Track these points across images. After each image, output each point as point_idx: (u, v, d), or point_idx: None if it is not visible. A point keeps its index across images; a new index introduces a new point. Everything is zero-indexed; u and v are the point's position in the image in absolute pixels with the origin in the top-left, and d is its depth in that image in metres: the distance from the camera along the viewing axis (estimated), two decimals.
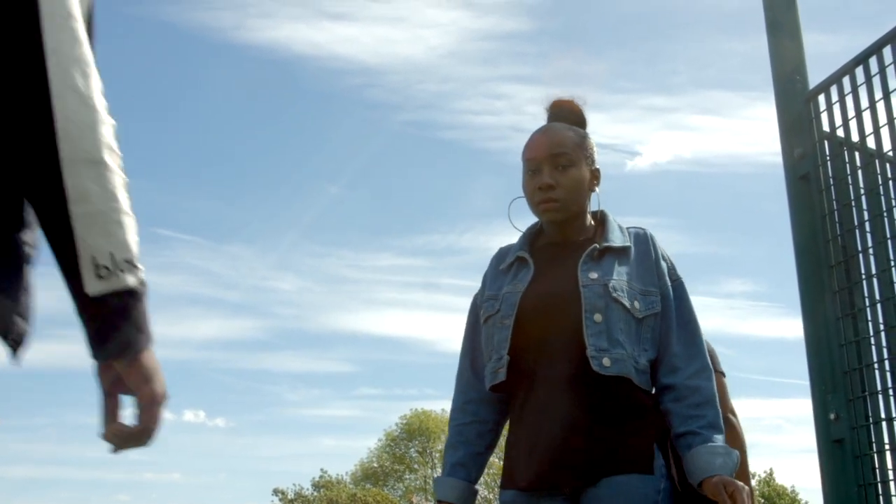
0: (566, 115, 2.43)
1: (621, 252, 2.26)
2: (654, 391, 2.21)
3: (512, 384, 2.28)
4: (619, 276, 2.20)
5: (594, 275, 2.19)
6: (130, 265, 1.10)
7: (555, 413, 2.17)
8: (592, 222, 2.37)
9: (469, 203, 65.37)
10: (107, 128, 1.10)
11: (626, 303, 2.17)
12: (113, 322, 1.09)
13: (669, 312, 2.23)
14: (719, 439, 2.11)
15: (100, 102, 1.09)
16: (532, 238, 2.43)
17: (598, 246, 2.25)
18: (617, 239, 2.29)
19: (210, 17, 62.61)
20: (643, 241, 2.31)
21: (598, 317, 2.15)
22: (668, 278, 2.27)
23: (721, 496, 2.01)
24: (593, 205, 2.40)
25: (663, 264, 2.28)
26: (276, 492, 43.86)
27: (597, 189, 2.38)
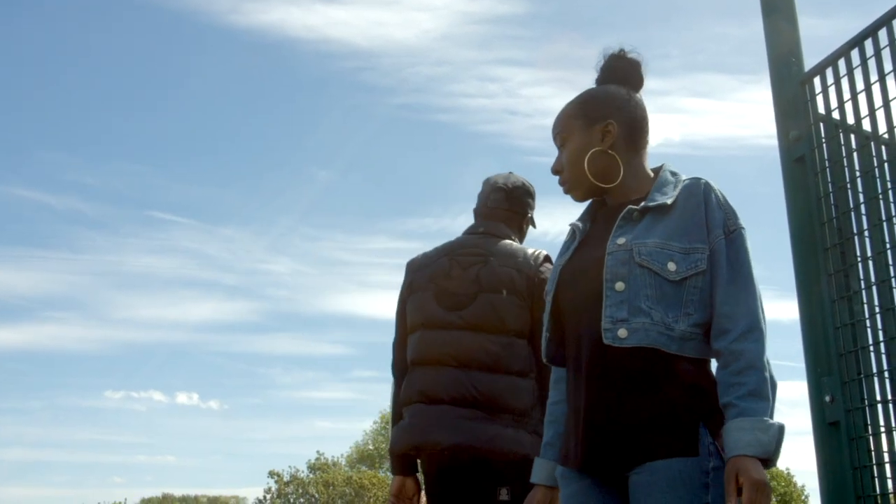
0: (604, 76, 2.35)
1: (664, 210, 2.11)
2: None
3: (557, 360, 2.28)
4: (655, 237, 2.07)
5: (622, 240, 2.09)
6: None
7: (587, 392, 2.09)
8: (653, 176, 2.24)
9: (463, 185, 65.53)
10: None
11: (656, 266, 2.03)
12: None
13: (718, 268, 2.05)
14: (760, 409, 1.92)
15: None
16: (597, 205, 2.34)
17: (634, 207, 2.14)
18: (662, 196, 2.14)
19: (204, 1, 62.32)
20: (694, 193, 2.13)
21: (619, 285, 2.05)
22: (721, 230, 2.08)
23: (728, 488, 1.88)
24: (652, 160, 2.28)
25: (717, 215, 2.09)
26: (271, 474, 43.97)
27: (614, 142, 2.23)
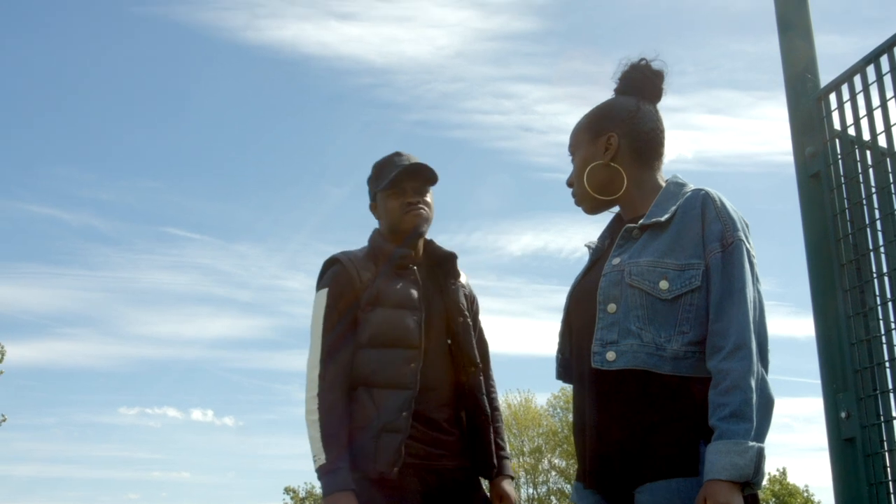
0: (621, 86, 2.31)
1: (662, 226, 2.07)
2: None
3: (568, 380, 2.28)
4: (649, 255, 2.03)
5: (617, 260, 2.08)
6: None
7: (588, 413, 2.10)
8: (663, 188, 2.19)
9: (478, 202, 65.39)
10: None
11: (646, 286, 2.00)
12: None
13: (713, 284, 1.99)
14: (740, 431, 1.86)
15: None
16: (616, 222, 2.32)
17: (633, 226, 2.12)
18: (660, 211, 2.10)
19: (219, 17, 62.73)
20: (692, 206, 2.06)
21: (611, 307, 2.03)
22: (718, 243, 2.01)
23: None
24: (667, 174, 2.22)
25: (714, 228, 2.02)
26: (287, 490, 43.97)
27: (616, 154, 2.20)
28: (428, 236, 3.06)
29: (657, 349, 1.97)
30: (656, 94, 2.30)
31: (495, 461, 2.97)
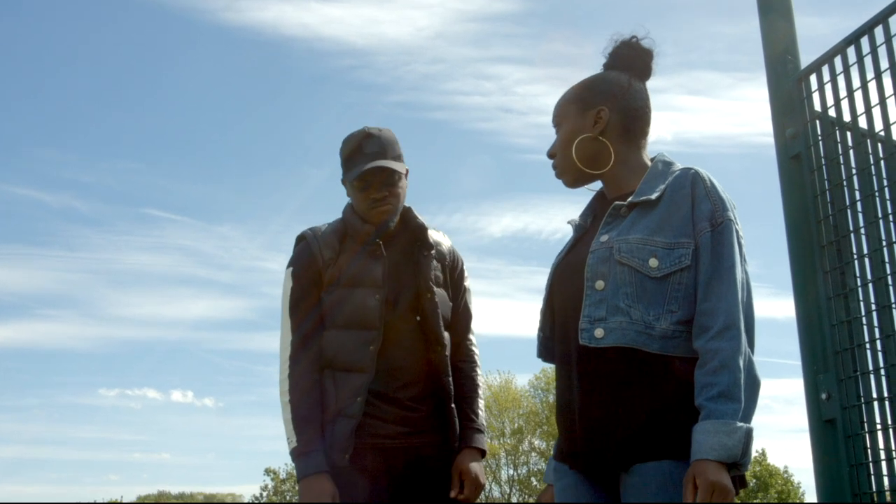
0: (610, 62, 2.28)
1: (651, 204, 2.05)
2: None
3: (549, 359, 2.25)
4: (638, 233, 2.01)
5: (605, 237, 2.05)
6: None
7: (579, 392, 2.06)
8: (649, 166, 2.17)
9: (458, 184, 65.48)
10: None
11: (636, 263, 1.97)
12: None
13: (702, 263, 1.97)
14: (729, 411, 1.84)
15: None
16: (598, 199, 2.29)
17: (621, 203, 2.09)
18: (649, 189, 2.08)
19: None
20: (682, 185, 2.04)
21: (599, 284, 2.01)
22: (708, 223, 1.99)
23: (685, 491, 1.83)
24: (656, 151, 2.19)
25: (704, 207, 2.01)
26: (267, 471, 44.03)
27: (605, 128, 2.18)
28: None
29: (646, 327, 1.95)
30: (646, 72, 2.27)
31: (458, 435, 2.88)
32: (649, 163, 2.21)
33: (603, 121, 2.19)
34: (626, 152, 2.20)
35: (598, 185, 2.29)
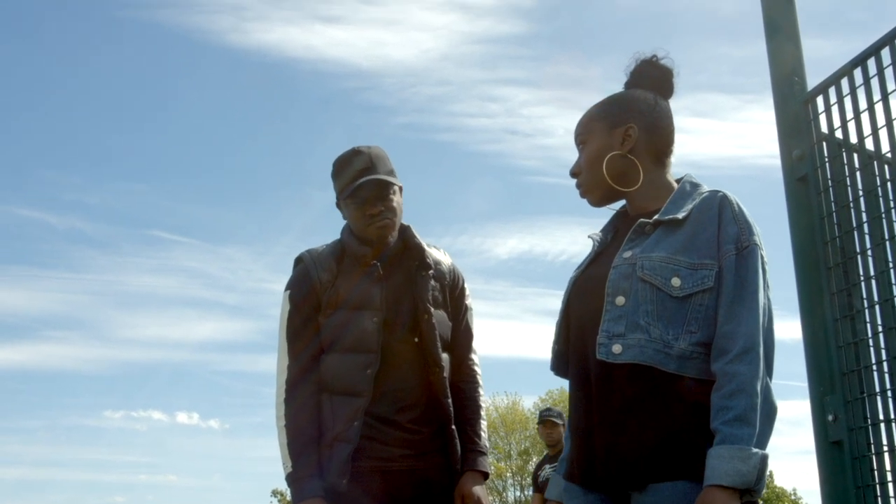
0: (633, 81, 2.27)
1: (677, 223, 2.03)
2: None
3: (563, 373, 2.22)
4: (662, 251, 1.99)
5: (628, 253, 2.03)
6: None
7: (589, 407, 2.05)
8: (675, 186, 2.17)
9: (464, 206, 65.49)
10: None
11: (658, 281, 1.96)
12: None
13: (725, 286, 1.95)
14: (744, 436, 1.81)
15: None
16: (620, 216, 2.28)
17: (646, 221, 2.08)
18: (676, 209, 2.06)
19: (205, 20, 62.63)
20: (709, 206, 2.03)
21: (620, 299, 1.99)
22: (733, 245, 1.97)
23: None
24: (677, 171, 2.18)
25: (730, 230, 1.98)
26: (274, 493, 43.90)
27: (634, 146, 2.16)
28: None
29: (664, 346, 1.93)
30: (669, 90, 2.26)
31: (459, 458, 2.86)
32: (674, 182, 2.20)
33: (632, 138, 2.17)
34: (654, 171, 2.19)
35: (619, 203, 2.28)
